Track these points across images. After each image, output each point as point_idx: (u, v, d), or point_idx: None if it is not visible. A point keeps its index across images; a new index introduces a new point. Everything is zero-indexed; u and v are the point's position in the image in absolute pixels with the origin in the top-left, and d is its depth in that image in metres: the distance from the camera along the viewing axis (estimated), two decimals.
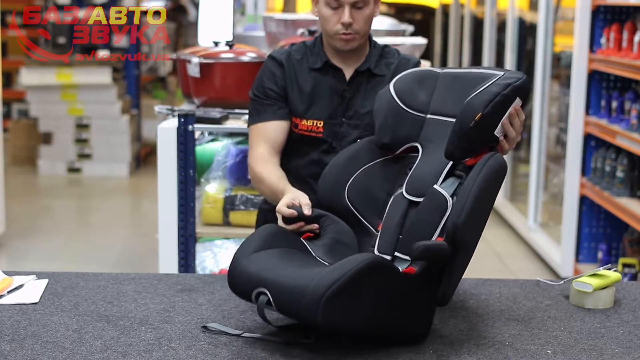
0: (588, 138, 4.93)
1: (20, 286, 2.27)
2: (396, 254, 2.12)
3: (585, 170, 4.98)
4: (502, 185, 6.82)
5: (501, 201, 6.82)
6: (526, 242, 5.96)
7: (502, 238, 6.21)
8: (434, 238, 2.02)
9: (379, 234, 2.20)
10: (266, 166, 2.52)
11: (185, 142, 3.29)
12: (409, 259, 2.02)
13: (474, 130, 2.04)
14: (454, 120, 2.11)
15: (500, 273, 5.31)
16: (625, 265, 4.53)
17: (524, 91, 2.08)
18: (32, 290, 2.26)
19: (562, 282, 2.43)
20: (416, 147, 2.26)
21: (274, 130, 2.57)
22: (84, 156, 8.00)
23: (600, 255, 4.97)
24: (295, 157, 2.61)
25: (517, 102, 2.07)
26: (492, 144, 2.10)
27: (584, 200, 5.00)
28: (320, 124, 2.56)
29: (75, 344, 1.94)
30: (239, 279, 2.00)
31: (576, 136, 4.96)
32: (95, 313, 2.13)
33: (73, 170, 8.01)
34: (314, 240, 2.18)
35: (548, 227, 5.84)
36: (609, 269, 2.34)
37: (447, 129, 2.13)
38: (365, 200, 2.27)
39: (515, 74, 2.10)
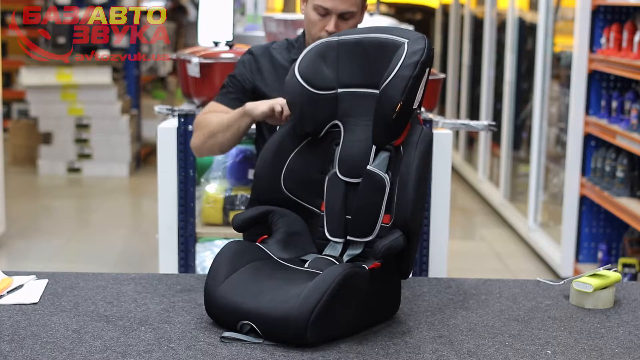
0: (588, 138, 4.93)
1: (20, 286, 2.27)
2: (349, 237, 2.20)
3: (585, 170, 4.98)
4: (502, 185, 6.74)
5: (501, 201, 6.82)
6: (526, 242, 5.96)
7: (502, 238, 6.21)
8: (380, 217, 2.14)
9: (324, 215, 2.27)
10: (214, 114, 2.62)
11: (185, 142, 3.29)
12: (362, 240, 2.17)
13: (396, 118, 2.12)
14: (364, 90, 2.19)
15: (500, 273, 5.31)
16: (625, 265, 4.53)
17: (430, 60, 2.14)
18: (32, 290, 2.26)
19: (562, 282, 2.42)
20: (337, 124, 2.31)
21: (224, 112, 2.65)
22: (84, 156, 8.00)
23: (600, 255, 4.97)
24: None
25: (427, 72, 2.14)
26: (412, 115, 2.17)
27: (584, 200, 5.00)
28: None
29: (75, 344, 1.94)
30: (220, 311, 2.04)
31: (576, 136, 4.95)
32: (95, 313, 2.13)
33: (73, 170, 8.01)
34: (269, 240, 2.25)
35: (548, 227, 5.83)
36: (609, 269, 2.34)
37: (360, 100, 2.21)
38: (302, 185, 2.32)
39: (416, 43, 2.15)
